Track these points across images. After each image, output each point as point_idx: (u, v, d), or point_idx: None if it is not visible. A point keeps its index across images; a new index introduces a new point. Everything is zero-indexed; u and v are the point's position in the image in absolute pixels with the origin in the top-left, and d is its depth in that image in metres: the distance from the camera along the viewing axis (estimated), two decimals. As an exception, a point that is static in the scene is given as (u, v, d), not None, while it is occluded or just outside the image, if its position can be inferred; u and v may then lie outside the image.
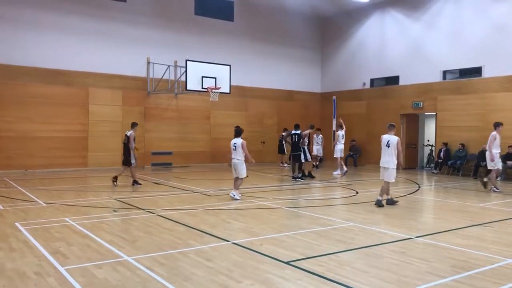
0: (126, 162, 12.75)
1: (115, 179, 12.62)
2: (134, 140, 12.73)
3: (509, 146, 15.29)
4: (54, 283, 4.64)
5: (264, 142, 19.53)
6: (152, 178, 14.71)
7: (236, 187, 10.57)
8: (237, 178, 10.58)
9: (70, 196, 10.66)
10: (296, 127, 14.75)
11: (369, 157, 20.38)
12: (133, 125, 13.06)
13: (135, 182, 12.77)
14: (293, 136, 14.56)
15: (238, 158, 10.42)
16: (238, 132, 10.83)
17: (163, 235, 6.81)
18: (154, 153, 18.80)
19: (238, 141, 10.56)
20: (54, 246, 6.07)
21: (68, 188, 12.17)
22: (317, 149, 18.44)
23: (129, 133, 12.85)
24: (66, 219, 7.90)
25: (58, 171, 16.32)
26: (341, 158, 16.67)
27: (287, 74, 22.77)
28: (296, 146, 14.45)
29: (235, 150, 10.46)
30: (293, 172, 14.63)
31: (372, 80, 21.52)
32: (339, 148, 16.71)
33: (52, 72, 16.58)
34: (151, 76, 18.48)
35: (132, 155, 12.66)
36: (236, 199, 10.24)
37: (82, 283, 4.62)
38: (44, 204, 9.45)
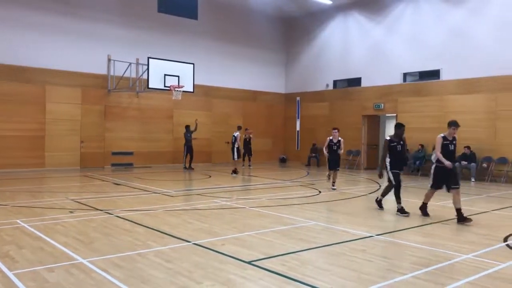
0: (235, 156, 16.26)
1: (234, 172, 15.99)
2: (239, 140, 16.72)
3: (464, 147, 15.84)
4: (1, 288, 4.37)
5: (228, 142, 19.39)
6: (111, 179, 14.29)
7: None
8: None
9: (24, 197, 10.18)
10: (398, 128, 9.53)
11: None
12: (240, 128, 17.18)
13: (234, 171, 16.04)
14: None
15: None
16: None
17: (121, 236, 6.58)
18: (114, 153, 18.29)
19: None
20: (3, 249, 5.73)
21: (23, 189, 11.62)
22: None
23: (236, 134, 16.41)
24: (18, 221, 7.52)
25: (13, 171, 15.59)
26: None
27: (252, 75, 22.72)
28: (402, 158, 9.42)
29: None
30: (398, 198, 9.06)
31: (335, 82, 21.80)
32: None
33: (7, 68, 15.82)
34: (112, 73, 17.94)
35: (236, 151, 16.13)
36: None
37: (32, 288, 4.37)
38: (-5, 206, 8.98)
